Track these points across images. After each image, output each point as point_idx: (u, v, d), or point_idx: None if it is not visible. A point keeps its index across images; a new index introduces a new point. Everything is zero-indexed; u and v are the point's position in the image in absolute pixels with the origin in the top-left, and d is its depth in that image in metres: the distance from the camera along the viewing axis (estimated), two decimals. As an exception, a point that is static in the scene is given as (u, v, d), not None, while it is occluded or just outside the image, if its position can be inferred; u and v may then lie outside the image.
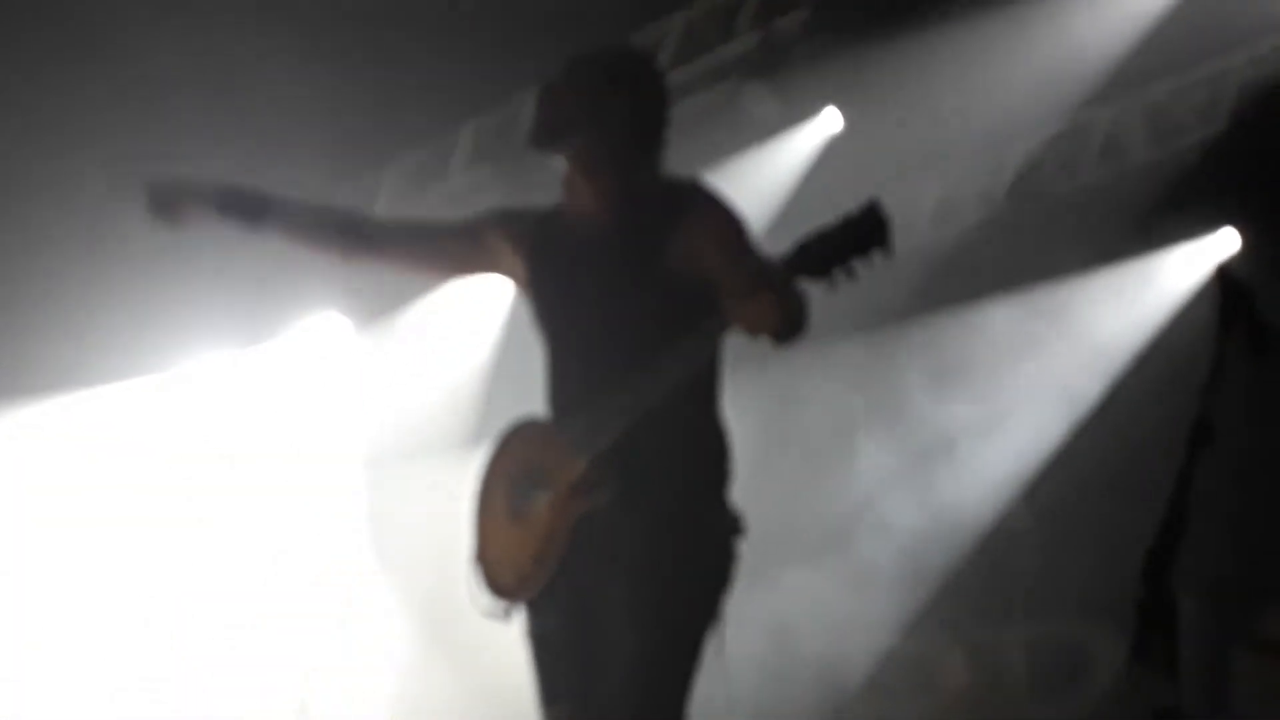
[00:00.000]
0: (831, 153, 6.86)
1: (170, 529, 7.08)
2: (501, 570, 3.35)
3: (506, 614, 3.34)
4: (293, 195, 3.44)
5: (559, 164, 3.37)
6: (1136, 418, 6.13)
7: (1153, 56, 6.25)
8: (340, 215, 3.47)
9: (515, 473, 3.37)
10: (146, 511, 7.07)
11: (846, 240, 3.04)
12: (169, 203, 3.41)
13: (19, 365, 6.86)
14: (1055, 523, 6.53)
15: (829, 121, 6.93)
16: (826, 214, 3.08)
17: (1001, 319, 6.74)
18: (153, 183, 3.41)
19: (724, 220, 3.27)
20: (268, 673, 6.99)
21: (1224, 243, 6.49)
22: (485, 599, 3.35)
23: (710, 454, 3.30)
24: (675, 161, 3.42)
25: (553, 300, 3.39)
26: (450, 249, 3.49)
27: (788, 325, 3.10)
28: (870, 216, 3.03)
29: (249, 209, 3.39)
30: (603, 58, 3.40)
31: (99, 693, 6.84)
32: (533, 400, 3.44)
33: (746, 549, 3.32)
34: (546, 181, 3.49)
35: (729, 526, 3.28)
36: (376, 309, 7.59)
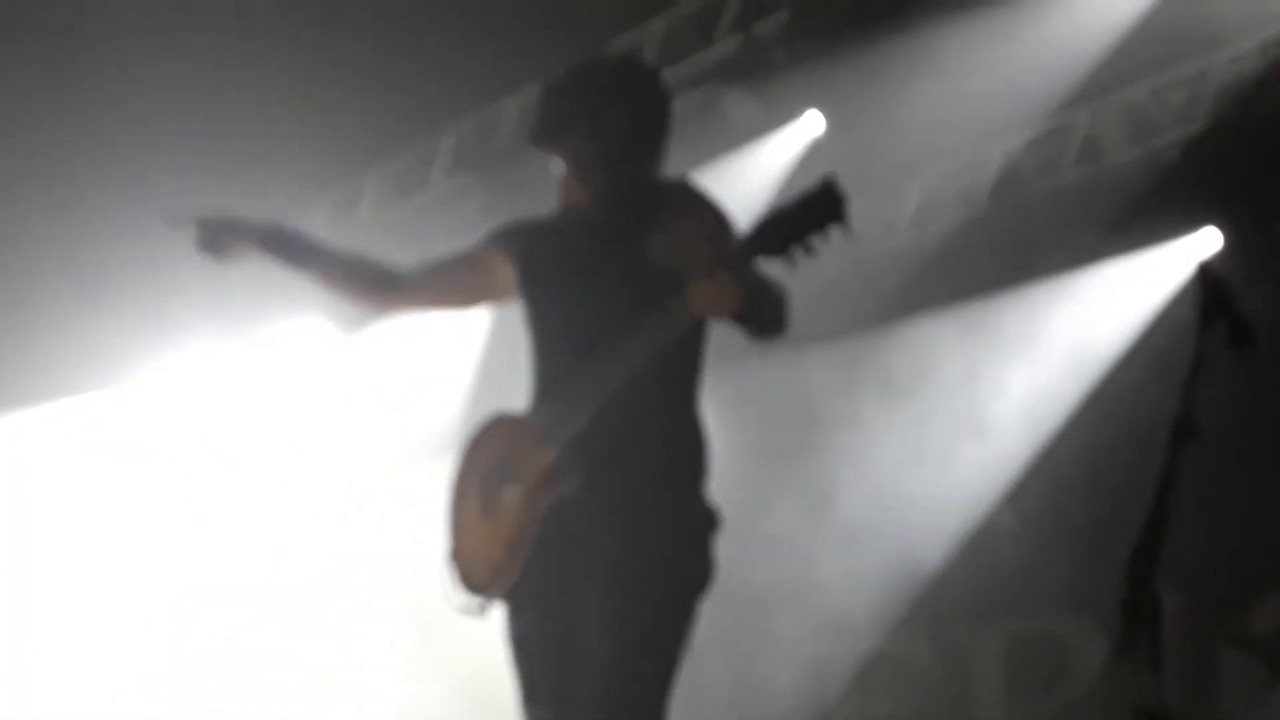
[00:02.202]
0: (813, 155, 6.87)
1: (169, 529, 7.09)
2: (475, 565, 3.36)
3: (482, 610, 3.35)
4: (330, 243, 3.54)
5: (555, 165, 3.39)
6: (1119, 416, 6.15)
7: (1130, 57, 6.28)
8: (374, 266, 3.53)
9: (487, 467, 3.39)
10: (145, 512, 7.07)
11: (804, 218, 3.06)
12: (217, 238, 3.48)
13: (15, 369, 6.86)
14: (1038, 521, 6.55)
15: (810, 124, 6.95)
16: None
17: (983, 320, 6.76)
18: (202, 218, 3.48)
19: (706, 213, 3.29)
20: (267, 673, 6.98)
21: (1205, 242, 6.52)
22: (460, 595, 3.35)
23: (686, 448, 3.30)
24: (655, 165, 3.44)
25: (539, 296, 3.42)
26: (462, 280, 3.53)
27: (752, 308, 3.11)
28: (827, 194, 3.06)
29: (292, 251, 3.48)
30: (607, 62, 3.44)
31: (100, 693, 6.83)
32: (520, 399, 3.45)
33: (724, 546, 3.33)
34: (529, 185, 3.51)
35: (705, 521, 3.28)
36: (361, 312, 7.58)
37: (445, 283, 3.54)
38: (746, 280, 3.09)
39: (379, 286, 3.51)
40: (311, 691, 6.84)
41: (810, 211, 3.06)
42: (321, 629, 7.10)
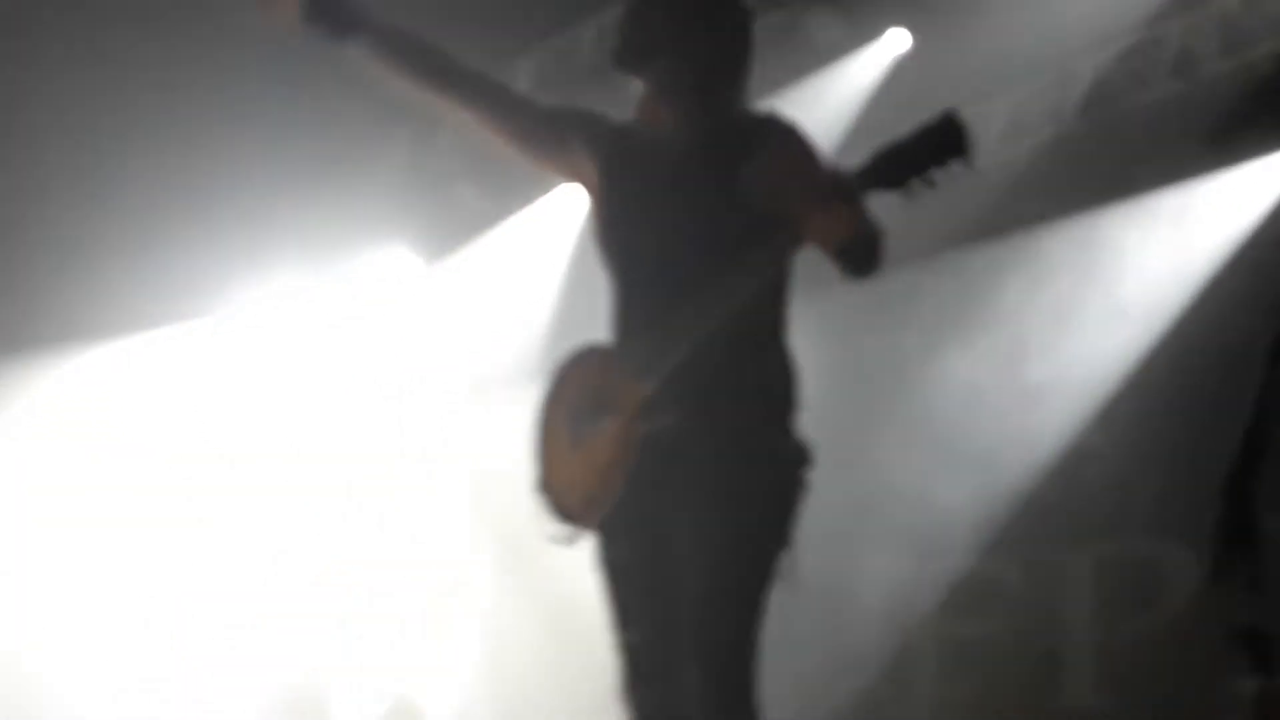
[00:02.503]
0: (898, 74, 6.78)
1: (232, 469, 7.16)
2: (567, 495, 3.38)
3: (573, 539, 3.37)
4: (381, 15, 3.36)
5: (637, 88, 3.36)
6: (1213, 335, 6.05)
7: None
8: (430, 47, 3.41)
9: (577, 400, 3.39)
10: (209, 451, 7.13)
11: (923, 150, 3.03)
12: None
13: (100, 302, 6.92)
14: (1129, 443, 6.48)
15: (895, 42, 6.85)
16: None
17: (1074, 238, 6.67)
18: None
19: (799, 148, 3.26)
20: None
21: (1301, 155, 6.37)
22: (553, 525, 3.37)
23: (776, 381, 3.29)
24: (740, 87, 3.39)
25: (620, 219, 3.39)
26: (529, 128, 3.45)
27: (858, 241, 3.09)
28: (947, 126, 3.03)
29: (341, 17, 3.33)
30: None
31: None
32: (600, 330, 3.44)
33: (815, 472, 3.32)
34: (611, 109, 3.47)
35: (796, 455, 3.28)
36: (444, 243, 7.61)
37: (513, 118, 3.44)
38: (857, 213, 3.07)
39: (433, 68, 3.38)
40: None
41: (930, 143, 3.04)
42: (413, 582, 7.16)
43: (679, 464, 3.25)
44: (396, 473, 7.41)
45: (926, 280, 6.68)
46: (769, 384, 3.28)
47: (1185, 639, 5.89)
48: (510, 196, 7.34)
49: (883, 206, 3.13)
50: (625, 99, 3.42)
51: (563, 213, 7.22)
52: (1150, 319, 6.49)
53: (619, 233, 3.39)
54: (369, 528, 7.34)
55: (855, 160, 3.08)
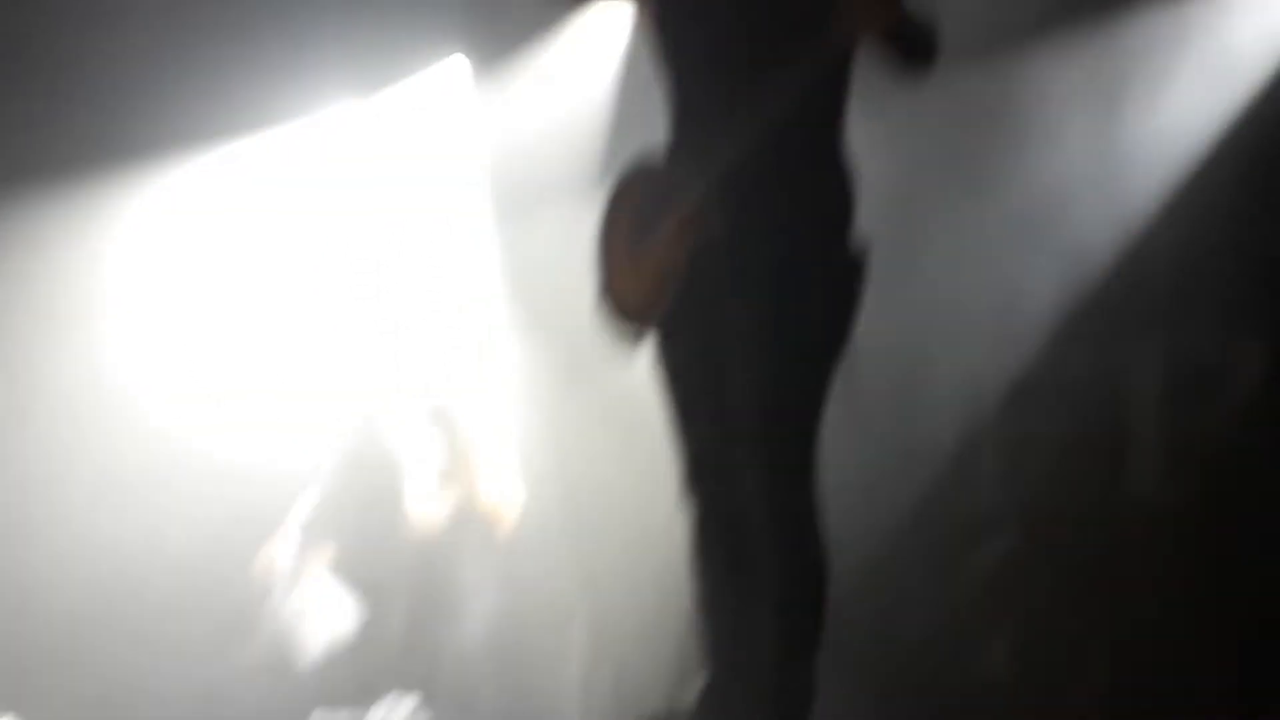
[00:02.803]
0: None
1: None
2: (626, 297, 3.41)
3: (634, 342, 3.41)
4: None
5: None
6: (1276, 129, 5.93)
7: None
8: None
9: (634, 207, 3.41)
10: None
11: None
12: None
13: (150, 122, 6.92)
14: (1196, 236, 6.40)
15: None
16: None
17: (1130, 32, 6.50)
18: None
19: None
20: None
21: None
22: (612, 328, 3.42)
23: (833, 185, 3.27)
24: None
25: (671, 17, 3.36)
26: None
27: (909, 27, 3.04)
28: None
29: None
30: None
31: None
32: (656, 135, 3.42)
33: (877, 268, 3.32)
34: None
35: (855, 255, 3.27)
36: (497, 51, 7.54)
37: None
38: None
39: None
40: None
41: None
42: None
43: (732, 267, 3.26)
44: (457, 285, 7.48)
45: (979, 81, 6.55)
46: (825, 186, 3.27)
47: (1252, 429, 5.90)
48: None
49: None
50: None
51: (617, 17, 7.12)
52: (1210, 112, 6.35)
53: (670, 32, 3.36)
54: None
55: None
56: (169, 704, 6.60)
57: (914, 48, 3.08)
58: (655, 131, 3.45)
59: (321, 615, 6.38)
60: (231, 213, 7.31)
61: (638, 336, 3.40)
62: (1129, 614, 5.92)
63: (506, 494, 6.48)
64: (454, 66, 7.57)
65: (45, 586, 6.77)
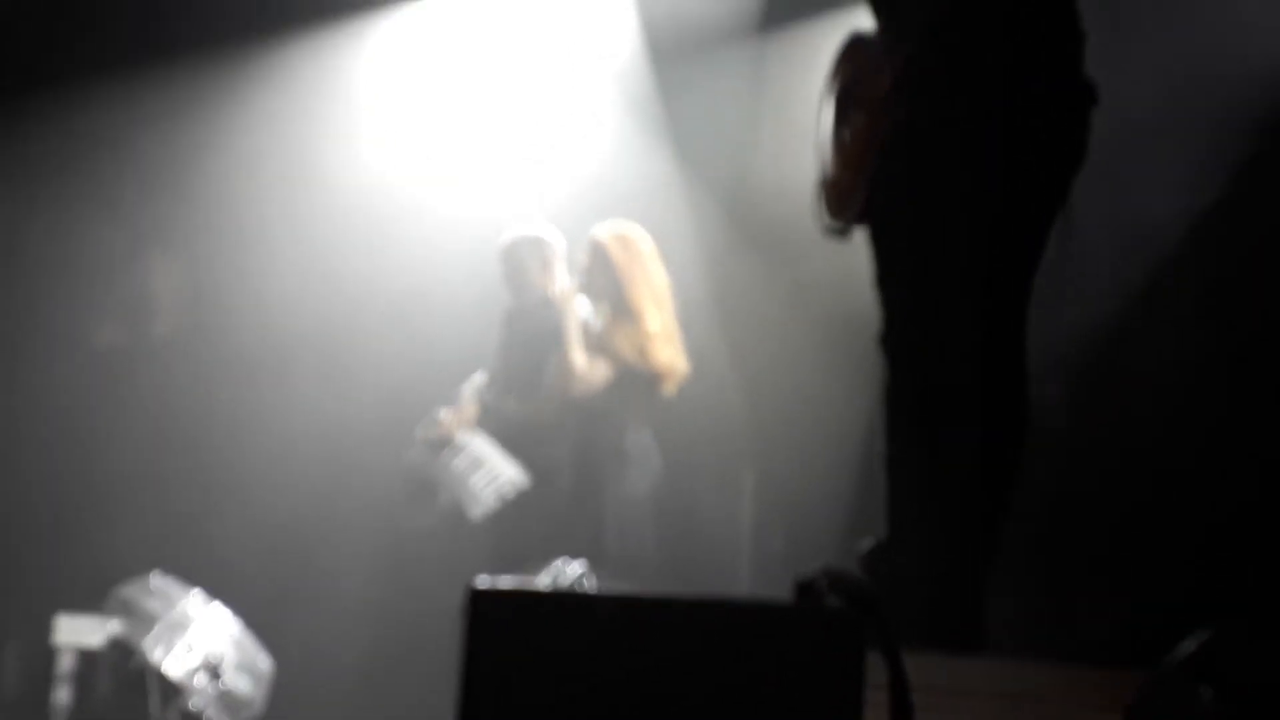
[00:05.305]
0: None
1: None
2: (833, 191, 3.35)
3: (844, 233, 3.35)
4: None
5: None
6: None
7: None
8: None
9: (840, 91, 3.32)
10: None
11: None
12: None
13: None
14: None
15: None
16: None
17: None
18: None
19: None
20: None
21: None
22: (826, 219, 3.37)
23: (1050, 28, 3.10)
24: None
25: None
26: None
27: None
28: None
29: None
30: None
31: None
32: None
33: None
34: None
35: (1078, 96, 3.11)
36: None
37: None
38: None
39: None
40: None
41: None
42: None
43: (927, 159, 3.14)
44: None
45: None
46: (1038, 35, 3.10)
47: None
48: None
49: None
50: None
51: None
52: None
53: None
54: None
55: None
56: (360, 557, 6.79)
57: None
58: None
59: (489, 480, 6.39)
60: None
61: (846, 230, 3.32)
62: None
63: (673, 354, 6.39)
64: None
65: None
